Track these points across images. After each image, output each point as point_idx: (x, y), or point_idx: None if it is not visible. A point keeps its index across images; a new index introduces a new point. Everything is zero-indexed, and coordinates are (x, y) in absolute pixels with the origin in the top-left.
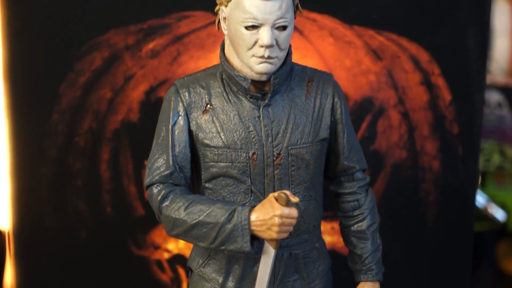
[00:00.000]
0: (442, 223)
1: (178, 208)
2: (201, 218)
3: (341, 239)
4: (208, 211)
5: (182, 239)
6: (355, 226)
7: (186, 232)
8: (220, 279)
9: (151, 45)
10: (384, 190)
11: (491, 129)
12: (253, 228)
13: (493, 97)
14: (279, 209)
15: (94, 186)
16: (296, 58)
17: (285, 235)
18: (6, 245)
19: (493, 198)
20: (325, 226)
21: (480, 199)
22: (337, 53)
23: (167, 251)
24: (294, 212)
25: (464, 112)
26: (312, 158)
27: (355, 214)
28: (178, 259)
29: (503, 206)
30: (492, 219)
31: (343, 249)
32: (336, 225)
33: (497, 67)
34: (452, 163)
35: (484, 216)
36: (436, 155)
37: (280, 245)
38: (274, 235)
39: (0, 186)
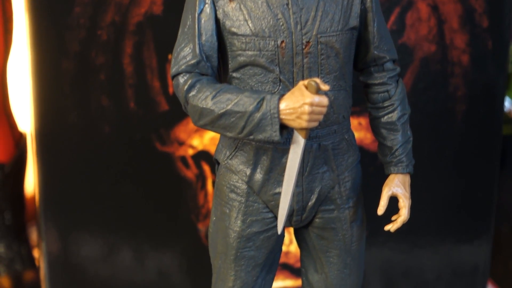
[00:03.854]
0: (471, 119)
1: (205, 98)
2: (229, 107)
3: (368, 135)
4: (236, 100)
5: (209, 129)
6: (385, 117)
7: (213, 121)
8: (248, 171)
9: None
10: (413, 84)
11: None
12: (282, 116)
13: None
14: (309, 97)
15: (117, 81)
16: None
17: (315, 123)
18: (29, 147)
19: None
20: (352, 122)
21: (505, 102)
22: None
23: (192, 147)
24: (324, 100)
25: (494, 5)
26: (342, 47)
27: (385, 105)
28: (203, 155)
29: None
30: None
31: (371, 145)
32: (363, 120)
33: None
34: (482, 57)
35: (508, 119)
36: (466, 49)
37: (309, 136)
38: (304, 123)
39: (22, 84)
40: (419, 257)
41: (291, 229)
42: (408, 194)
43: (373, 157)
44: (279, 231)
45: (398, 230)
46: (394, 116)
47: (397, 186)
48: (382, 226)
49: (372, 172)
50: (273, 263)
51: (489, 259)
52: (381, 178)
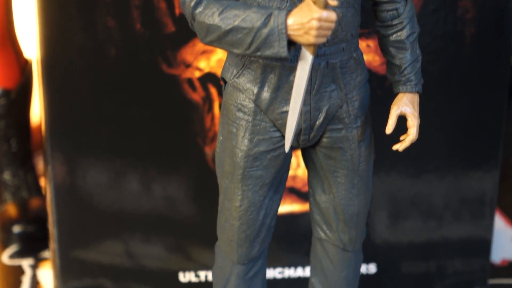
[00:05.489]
0: (480, 42)
1: (212, 14)
2: (236, 23)
3: (377, 58)
4: (243, 16)
5: (216, 46)
6: (394, 35)
7: (220, 38)
8: (255, 89)
9: None
10: (422, 6)
11: None
12: (290, 32)
13: None
14: (317, 12)
15: (123, 2)
16: None
17: (323, 39)
18: (34, 73)
19: None
20: (360, 44)
21: None
22: None
23: (199, 69)
24: (332, 15)
25: None
26: None
27: (394, 23)
28: (209, 78)
29: None
30: None
31: (379, 68)
32: (371, 42)
33: None
34: None
35: None
36: None
37: (317, 53)
38: (311, 39)
39: (27, 9)
40: (427, 182)
41: (299, 153)
42: (416, 113)
43: (381, 80)
44: (287, 149)
45: (406, 154)
46: (403, 34)
47: (405, 105)
48: (390, 150)
49: (380, 95)
50: (280, 183)
51: (497, 187)
52: (389, 101)
